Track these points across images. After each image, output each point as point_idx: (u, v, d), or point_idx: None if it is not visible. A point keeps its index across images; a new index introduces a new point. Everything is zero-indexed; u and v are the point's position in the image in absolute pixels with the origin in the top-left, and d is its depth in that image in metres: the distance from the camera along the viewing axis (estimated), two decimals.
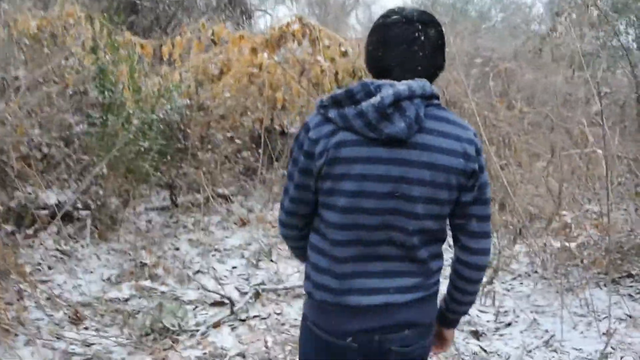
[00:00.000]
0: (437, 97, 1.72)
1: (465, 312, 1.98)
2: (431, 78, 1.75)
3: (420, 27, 1.70)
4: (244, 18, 11.94)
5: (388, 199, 1.67)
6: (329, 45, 5.74)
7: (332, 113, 1.68)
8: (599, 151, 6.23)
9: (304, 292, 1.91)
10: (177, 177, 6.29)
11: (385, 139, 1.63)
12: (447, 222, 1.80)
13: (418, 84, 1.65)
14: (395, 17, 1.72)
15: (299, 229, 1.87)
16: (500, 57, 10.78)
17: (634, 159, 6.99)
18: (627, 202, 5.83)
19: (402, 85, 1.63)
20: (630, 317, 4.50)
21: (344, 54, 5.80)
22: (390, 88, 1.62)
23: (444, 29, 1.79)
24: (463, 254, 1.82)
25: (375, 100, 1.62)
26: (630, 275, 5.05)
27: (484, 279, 1.71)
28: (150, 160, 5.52)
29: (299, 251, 1.93)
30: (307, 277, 1.84)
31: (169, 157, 6.07)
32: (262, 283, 4.82)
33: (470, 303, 1.93)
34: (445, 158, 1.67)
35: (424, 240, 1.75)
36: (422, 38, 1.70)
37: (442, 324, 1.97)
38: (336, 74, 5.68)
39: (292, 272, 5.05)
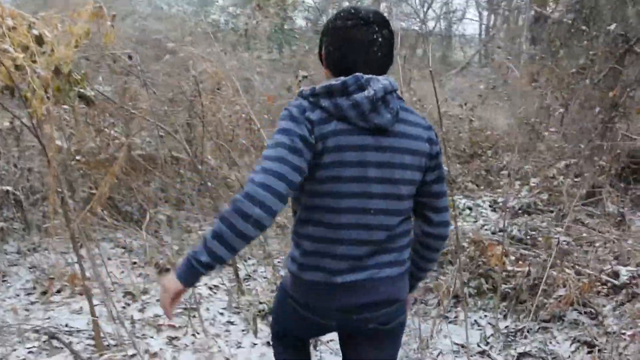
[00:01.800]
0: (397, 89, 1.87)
1: (425, 278, 2.34)
2: (385, 72, 1.90)
3: (377, 28, 1.84)
4: None
5: (378, 183, 1.84)
6: (14, 27, 3.72)
7: (324, 102, 1.79)
8: None
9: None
10: None
11: (373, 128, 1.81)
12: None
13: (392, 80, 1.84)
14: (353, 20, 1.84)
15: (284, 200, 1.71)
16: (176, 40, 9.58)
17: None
18: None
19: (385, 80, 1.81)
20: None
21: (39, 40, 3.83)
22: (379, 83, 1.79)
23: None
24: (429, 227, 2.03)
25: (368, 92, 1.77)
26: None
27: None
28: None
29: (252, 239, 1.72)
30: (294, 260, 1.94)
31: None
32: None
33: (431, 270, 2.25)
34: (417, 143, 1.89)
35: (401, 220, 1.93)
36: (380, 39, 1.85)
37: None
38: (56, 71, 3.69)
39: None
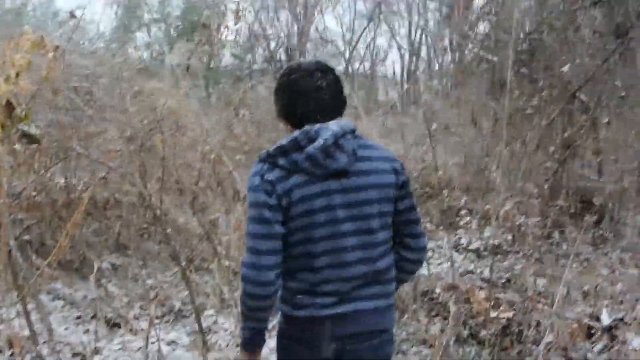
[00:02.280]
0: (355, 129, 1.99)
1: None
2: (340, 115, 2.04)
3: (319, 75, 1.98)
4: None
5: (349, 222, 1.95)
6: None
7: (281, 161, 1.92)
8: None
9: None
10: None
11: (332, 173, 1.91)
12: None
13: (345, 123, 1.96)
14: (297, 73, 2.00)
15: (278, 267, 1.95)
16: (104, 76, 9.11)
17: None
18: None
19: (336, 127, 1.92)
20: None
21: None
22: (328, 130, 1.90)
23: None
24: (407, 252, 2.13)
25: (318, 143, 1.88)
26: None
27: None
28: None
29: (268, 307, 1.99)
30: (286, 301, 2.03)
31: None
32: None
33: (397, 288, 2.21)
34: (382, 177, 2.00)
35: (381, 252, 2.03)
36: (324, 84, 1.98)
37: None
38: (8, 105, 3.20)
39: None
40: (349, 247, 1.96)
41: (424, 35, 23.93)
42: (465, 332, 4.26)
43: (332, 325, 1.99)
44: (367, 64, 24.99)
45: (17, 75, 4.08)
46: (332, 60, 22.65)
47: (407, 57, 26.12)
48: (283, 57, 19.75)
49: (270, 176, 1.90)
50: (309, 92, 1.96)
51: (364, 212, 1.96)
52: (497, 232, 5.59)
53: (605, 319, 4.15)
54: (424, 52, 24.35)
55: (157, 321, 4.68)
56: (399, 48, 25.78)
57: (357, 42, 23.82)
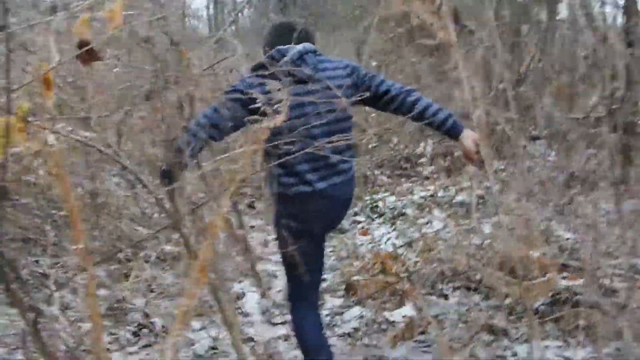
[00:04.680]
0: (317, 50, 2.64)
1: (438, 121, 2.62)
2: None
3: (295, 27, 2.67)
4: None
5: (315, 115, 2.45)
6: None
7: (261, 71, 2.45)
8: None
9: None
10: None
11: (299, 79, 2.48)
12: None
13: (306, 45, 2.60)
14: (281, 27, 2.71)
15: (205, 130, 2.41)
16: None
17: None
18: None
19: (300, 46, 2.57)
20: None
21: None
22: (294, 49, 2.56)
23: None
24: (396, 104, 2.67)
25: (287, 57, 2.52)
26: None
27: None
28: None
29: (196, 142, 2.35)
30: (277, 184, 2.54)
31: None
32: None
33: (433, 112, 2.62)
34: (336, 81, 2.53)
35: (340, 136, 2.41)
36: (295, 35, 2.63)
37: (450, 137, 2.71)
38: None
39: None
40: (315, 134, 2.43)
41: None
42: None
43: (314, 197, 2.56)
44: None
45: None
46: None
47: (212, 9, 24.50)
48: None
49: (251, 80, 2.46)
50: (287, 36, 2.60)
51: (320, 109, 2.43)
52: (477, 180, 4.93)
53: None
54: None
55: (130, 349, 3.41)
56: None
57: None
